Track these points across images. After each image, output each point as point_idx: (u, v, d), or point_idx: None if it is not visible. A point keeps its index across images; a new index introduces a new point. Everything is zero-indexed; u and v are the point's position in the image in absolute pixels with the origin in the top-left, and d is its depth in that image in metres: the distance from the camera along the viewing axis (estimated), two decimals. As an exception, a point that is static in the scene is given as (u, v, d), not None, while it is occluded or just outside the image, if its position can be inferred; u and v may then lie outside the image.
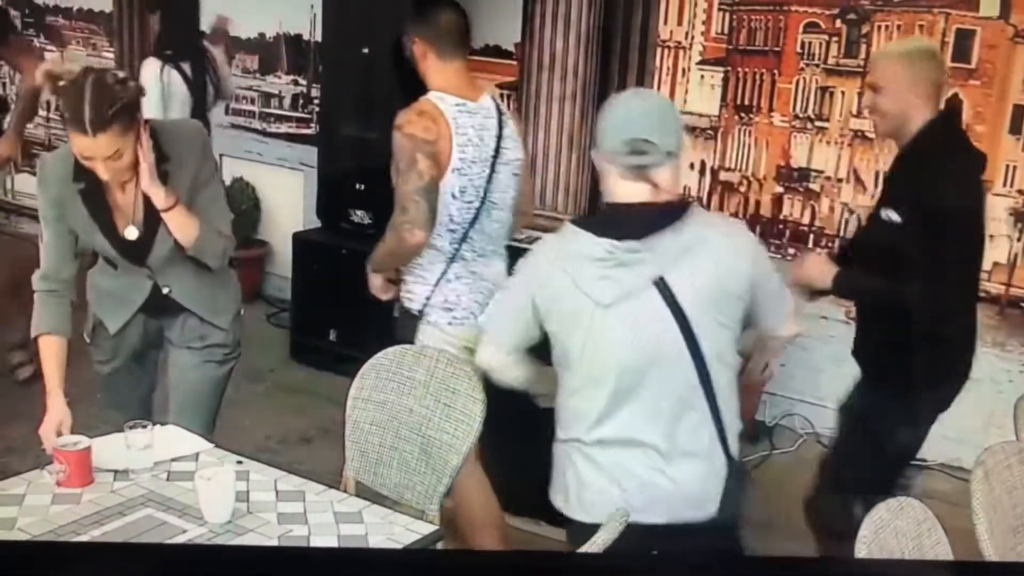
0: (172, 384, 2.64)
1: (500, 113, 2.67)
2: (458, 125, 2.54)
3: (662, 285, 1.85)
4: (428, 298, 2.65)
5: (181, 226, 2.36)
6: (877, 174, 3.96)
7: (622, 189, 1.88)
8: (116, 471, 2.13)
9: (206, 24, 5.28)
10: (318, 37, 4.84)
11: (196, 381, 2.62)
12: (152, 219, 2.37)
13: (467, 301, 2.64)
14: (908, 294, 2.32)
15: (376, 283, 2.81)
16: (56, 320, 2.42)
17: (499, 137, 2.63)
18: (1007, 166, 3.73)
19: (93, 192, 2.34)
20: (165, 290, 2.51)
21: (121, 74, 2.28)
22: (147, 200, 2.35)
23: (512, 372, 2.09)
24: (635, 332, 1.87)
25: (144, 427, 2.18)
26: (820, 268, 2.48)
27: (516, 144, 2.72)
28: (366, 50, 4.26)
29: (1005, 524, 2.03)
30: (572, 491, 2.01)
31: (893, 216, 2.38)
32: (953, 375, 2.58)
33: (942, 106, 2.46)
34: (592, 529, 1.80)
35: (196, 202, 2.40)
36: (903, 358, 2.43)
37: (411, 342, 2.63)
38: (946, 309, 2.41)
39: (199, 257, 2.44)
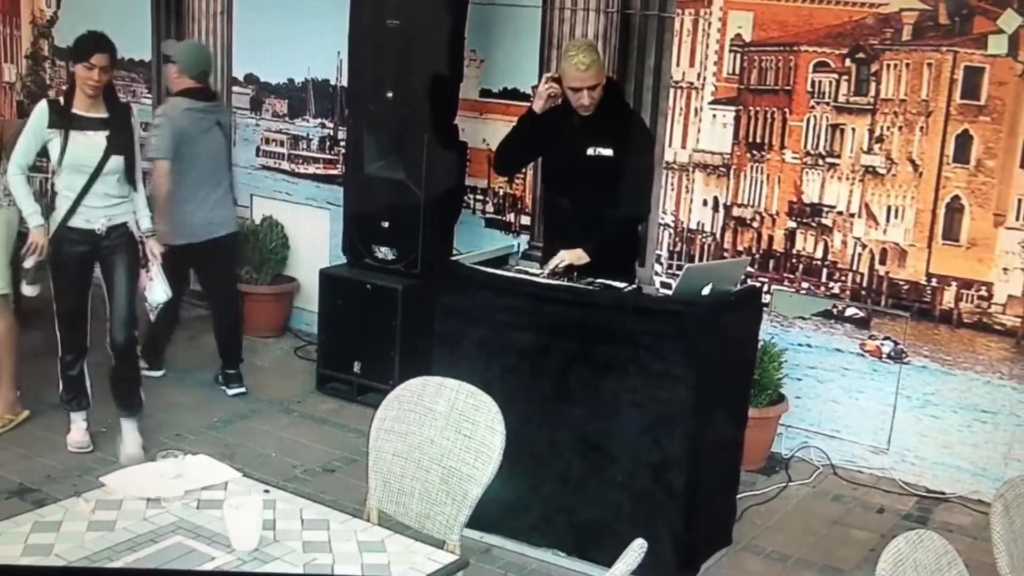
0: None
1: None
2: None
3: (220, 123, 4.47)
4: None
5: None
6: (889, 208, 4.01)
7: (193, 86, 4.34)
8: (148, 499, 2.21)
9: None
10: (344, 82, 5.00)
11: None
12: None
13: None
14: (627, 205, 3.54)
15: None
16: None
17: None
18: (1019, 200, 3.77)
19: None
20: None
21: None
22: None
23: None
24: (211, 141, 4.39)
25: (175, 457, 2.28)
26: (576, 254, 3.45)
27: None
28: (390, 94, 4.41)
29: (1027, 558, 2.02)
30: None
31: (604, 151, 3.50)
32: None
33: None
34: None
35: None
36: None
37: None
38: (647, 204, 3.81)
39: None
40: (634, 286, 3.34)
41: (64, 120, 3.60)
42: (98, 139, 3.63)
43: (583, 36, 4.43)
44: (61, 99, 3.68)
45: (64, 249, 3.69)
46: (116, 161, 3.65)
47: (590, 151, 3.49)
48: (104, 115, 3.66)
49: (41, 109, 3.65)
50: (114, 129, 3.65)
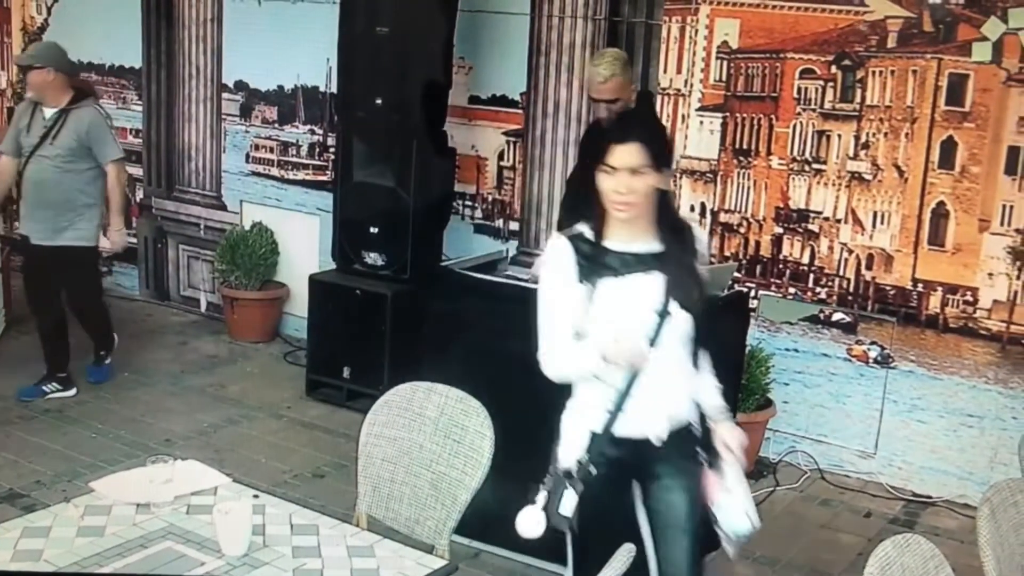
0: None
1: None
2: None
3: None
4: None
5: None
6: (875, 214, 4.05)
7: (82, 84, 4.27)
8: (138, 504, 2.21)
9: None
10: (334, 89, 5.02)
11: None
12: None
13: None
14: None
15: None
16: None
17: None
18: (1004, 205, 3.81)
19: None
20: None
21: None
22: None
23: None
24: None
25: (165, 462, 2.28)
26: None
27: None
28: (379, 101, 4.42)
29: (1012, 562, 2.03)
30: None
31: None
32: None
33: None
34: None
35: None
36: None
37: None
38: None
39: None
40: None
41: (598, 263, 2.21)
42: (649, 286, 2.21)
43: (571, 44, 4.46)
44: (585, 230, 2.25)
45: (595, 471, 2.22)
46: (687, 325, 2.23)
47: None
48: (657, 248, 2.23)
49: (562, 251, 2.24)
50: (672, 269, 2.22)
